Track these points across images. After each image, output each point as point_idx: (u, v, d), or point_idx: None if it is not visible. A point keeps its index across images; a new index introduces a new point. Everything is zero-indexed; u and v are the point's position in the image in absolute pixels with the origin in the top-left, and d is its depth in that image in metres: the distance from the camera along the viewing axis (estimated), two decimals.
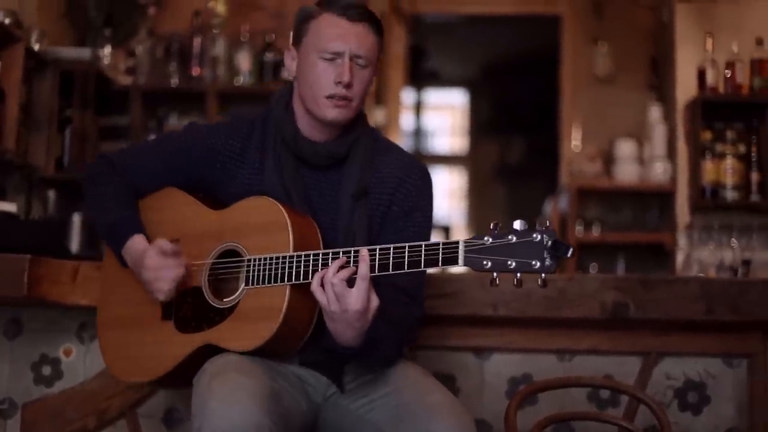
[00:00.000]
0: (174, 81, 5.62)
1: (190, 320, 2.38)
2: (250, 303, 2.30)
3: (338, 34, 2.38)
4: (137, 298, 2.48)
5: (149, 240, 2.47)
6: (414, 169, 2.51)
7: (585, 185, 5.93)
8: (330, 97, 2.37)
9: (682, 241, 5.53)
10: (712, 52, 5.44)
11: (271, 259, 2.29)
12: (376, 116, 5.90)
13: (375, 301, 2.18)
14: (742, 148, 5.42)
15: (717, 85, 5.40)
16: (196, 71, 5.62)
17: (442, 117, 12.02)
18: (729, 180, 5.37)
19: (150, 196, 2.55)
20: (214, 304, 2.36)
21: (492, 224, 2.09)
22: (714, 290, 2.95)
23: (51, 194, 5.06)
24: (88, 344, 3.11)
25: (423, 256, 2.13)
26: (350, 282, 2.17)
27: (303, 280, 2.24)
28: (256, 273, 2.30)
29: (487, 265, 2.07)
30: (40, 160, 4.92)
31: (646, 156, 5.90)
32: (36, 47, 4.90)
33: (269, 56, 5.66)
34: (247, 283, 2.31)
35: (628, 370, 3.08)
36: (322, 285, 2.18)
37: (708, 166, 5.41)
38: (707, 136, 5.46)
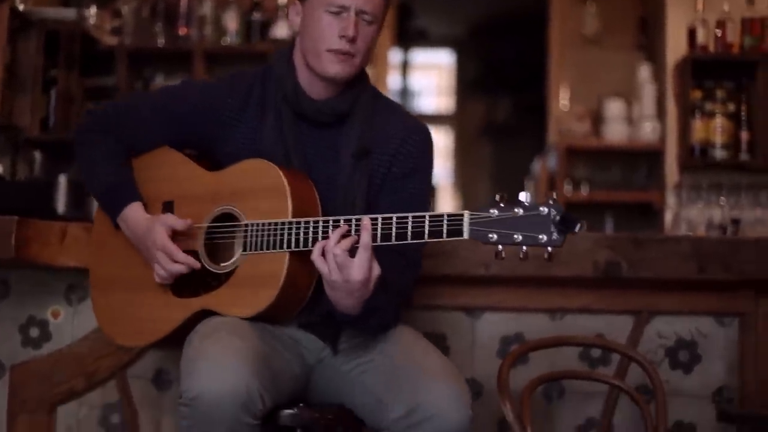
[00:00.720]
0: (160, 41, 5.55)
1: (186, 284, 2.35)
2: (248, 269, 2.27)
3: None
4: (131, 260, 2.45)
5: (146, 205, 2.43)
6: (416, 130, 2.47)
7: (574, 144, 5.91)
8: (333, 51, 2.33)
9: (670, 200, 5.53)
10: (703, 12, 5.41)
11: (269, 224, 2.25)
12: None
13: (377, 270, 2.15)
14: (731, 107, 5.40)
15: (707, 44, 5.38)
16: (182, 31, 5.55)
17: (428, 77, 11.97)
18: (718, 139, 5.35)
19: (144, 155, 2.50)
20: (211, 269, 2.33)
21: (498, 196, 2.05)
22: (705, 249, 2.94)
23: (37, 155, 5.01)
24: (76, 306, 3.08)
25: (427, 227, 2.10)
26: (352, 251, 2.14)
27: (303, 247, 2.20)
28: (254, 238, 2.27)
29: (493, 238, 2.04)
30: (25, 121, 4.87)
31: (635, 115, 5.88)
32: (21, 7, 4.83)
33: (257, 16, 5.60)
34: (244, 249, 2.28)
35: (619, 329, 3.07)
36: (323, 254, 2.15)
37: (697, 125, 5.39)
38: (697, 95, 5.44)
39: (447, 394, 2.17)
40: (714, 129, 5.35)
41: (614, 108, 5.90)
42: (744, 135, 5.33)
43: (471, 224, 2.05)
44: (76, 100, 5.22)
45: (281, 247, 2.22)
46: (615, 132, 5.85)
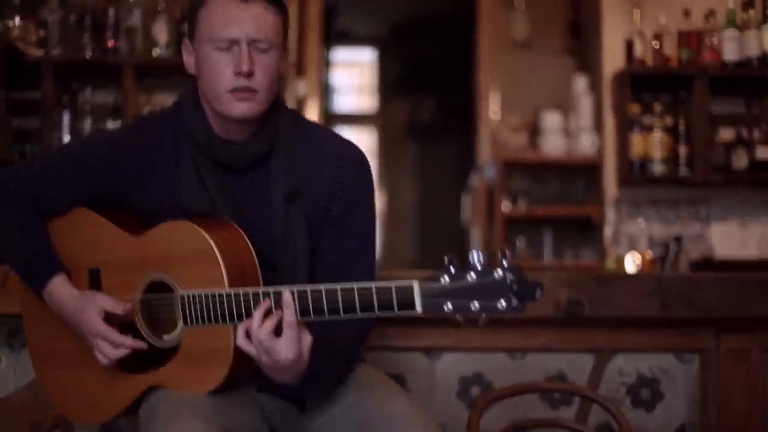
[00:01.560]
0: (88, 53, 5.35)
1: (131, 359, 2.20)
2: (193, 343, 2.14)
3: (230, 19, 2.12)
4: (68, 333, 2.29)
5: (69, 273, 2.27)
6: (349, 160, 2.26)
7: (511, 158, 5.87)
8: (232, 91, 2.13)
9: (610, 214, 5.52)
10: (640, 23, 5.40)
11: (207, 296, 2.09)
12: (298, 88, 5.72)
13: (307, 341, 2.02)
14: (669, 121, 5.41)
15: (645, 58, 5.37)
16: (111, 43, 5.35)
17: (350, 75, 11.87)
18: (657, 153, 5.35)
19: (60, 218, 2.32)
20: (155, 344, 2.19)
21: (446, 259, 1.90)
22: (668, 287, 2.92)
23: None
24: (18, 352, 2.97)
25: (375, 300, 1.95)
26: (278, 328, 2.00)
27: (247, 317, 2.05)
28: (193, 311, 2.12)
29: (448, 308, 1.89)
30: None
31: (572, 128, 5.86)
32: None
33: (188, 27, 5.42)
34: (185, 322, 2.13)
35: (580, 367, 3.04)
36: (248, 336, 2.01)
37: (636, 139, 5.38)
38: (635, 109, 5.43)
39: None
40: (653, 143, 5.35)
41: (551, 120, 5.87)
42: (682, 149, 5.33)
43: (423, 296, 1.90)
44: (2, 123, 5.00)
45: (224, 320, 2.08)
46: (552, 144, 5.83)
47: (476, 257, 1.90)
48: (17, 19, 5.18)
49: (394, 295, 1.94)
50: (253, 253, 2.16)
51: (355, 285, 1.98)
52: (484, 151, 6.53)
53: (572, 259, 5.86)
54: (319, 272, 2.24)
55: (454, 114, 10.96)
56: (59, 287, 2.26)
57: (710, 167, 5.31)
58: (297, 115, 2.33)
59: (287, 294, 2.00)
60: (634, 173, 5.37)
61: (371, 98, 11.85)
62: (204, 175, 2.21)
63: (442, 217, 10.84)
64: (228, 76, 2.13)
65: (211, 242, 2.09)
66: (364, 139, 11.87)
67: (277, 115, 2.25)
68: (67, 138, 5.40)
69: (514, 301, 1.89)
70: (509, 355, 3.05)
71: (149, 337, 2.20)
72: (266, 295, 2.04)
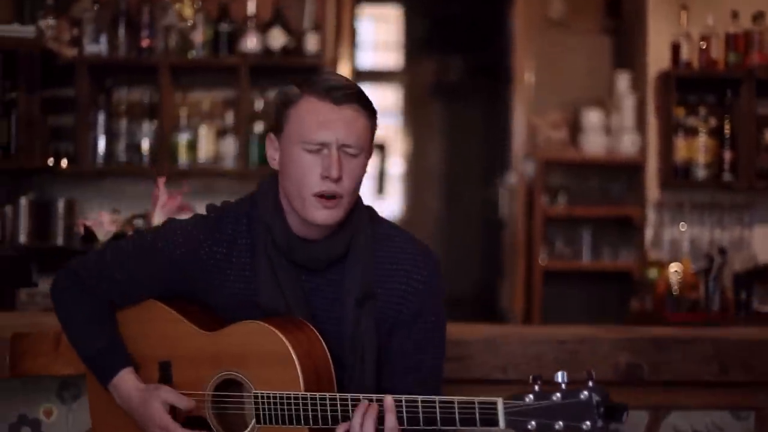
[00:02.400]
0: (122, 52, 5.30)
1: None
2: None
3: (322, 122, 2.10)
4: (134, 424, 2.29)
5: (138, 366, 2.27)
6: (422, 264, 2.24)
7: (552, 157, 5.80)
8: (318, 195, 2.12)
9: (651, 216, 5.46)
10: (687, 26, 5.29)
11: (282, 397, 2.10)
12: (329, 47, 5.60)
13: None
14: (714, 124, 5.32)
15: (691, 60, 5.27)
16: (145, 43, 5.29)
17: (375, 30, 11.74)
18: (701, 158, 5.28)
19: (129, 308, 2.31)
20: None
21: (531, 378, 1.92)
22: (727, 350, 2.90)
23: None
24: (70, 404, 2.95)
25: (457, 413, 1.97)
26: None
27: (322, 424, 2.08)
28: (267, 411, 2.12)
29: (532, 426, 1.90)
30: None
31: (614, 126, 5.77)
32: None
33: (225, 27, 5.35)
34: (258, 421, 2.14)
35: (635, 424, 3.02)
36: None
37: (680, 143, 5.31)
38: (680, 112, 5.34)
39: None
40: (697, 147, 5.27)
41: (592, 117, 5.78)
42: (727, 154, 5.25)
43: (506, 413, 1.92)
44: (37, 122, 4.96)
45: (299, 422, 2.09)
46: (593, 143, 5.74)
47: (561, 377, 1.91)
48: (50, 20, 5.10)
49: (477, 410, 1.96)
50: (329, 356, 2.16)
51: (437, 399, 2.00)
52: (518, 139, 6.46)
53: (611, 260, 5.81)
54: (386, 372, 2.24)
55: (482, 74, 10.87)
56: (126, 380, 2.26)
57: (755, 172, 5.24)
58: (372, 214, 2.30)
59: (390, 399, 2.01)
60: (677, 177, 5.30)
61: (397, 55, 11.73)
62: (279, 273, 2.19)
63: (467, 177, 10.80)
64: (315, 179, 2.11)
65: (288, 345, 2.10)
66: (388, 97, 11.81)
67: (354, 215, 2.22)
68: (102, 138, 5.37)
69: (600, 422, 1.89)
70: None
71: (220, 431, 2.20)
72: (344, 399, 2.06)
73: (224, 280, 2.22)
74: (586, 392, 1.89)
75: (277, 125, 2.18)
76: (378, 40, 11.68)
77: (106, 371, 2.27)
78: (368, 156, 2.17)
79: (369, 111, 2.16)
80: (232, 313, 2.21)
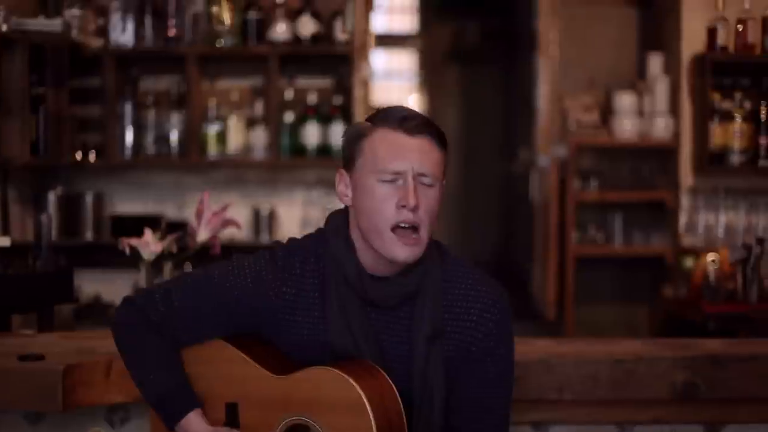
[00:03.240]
0: (149, 42, 5.22)
1: None
2: None
3: (397, 151, 2.09)
4: None
5: (204, 406, 2.25)
6: (492, 304, 2.22)
7: (584, 142, 5.73)
8: (396, 227, 2.09)
9: (684, 201, 5.41)
10: (723, 9, 5.19)
11: None
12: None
13: None
14: (750, 109, 5.25)
15: (727, 44, 5.18)
16: (172, 32, 5.21)
17: None
18: (736, 143, 5.21)
19: (195, 347, 2.28)
20: None
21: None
22: None
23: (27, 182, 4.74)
24: (119, 428, 2.92)
25: None
26: None
27: None
28: None
29: None
30: (14, 146, 4.56)
31: (647, 109, 5.69)
32: (3, 27, 4.46)
33: (253, 14, 5.27)
34: None
35: None
36: None
37: (715, 128, 5.24)
38: (715, 96, 5.27)
39: None
40: (732, 133, 5.20)
41: (625, 100, 5.70)
42: (763, 140, 5.18)
43: None
44: (65, 117, 4.90)
45: None
46: (625, 126, 5.67)
47: None
48: (75, 10, 5.03)
49: None
50: (401, 403, 2.13)
51: None
52: (544, 117, 6.40)
53: (643, 245, 5.76)
54: (454, 409, 2.22)
55: (499, 39, 10.77)
56: (193, 423, 2.23)
57: None
58: (442, 249, 2.26)
59: None
60: (711, 162, 5.25)
61: (412, 19, 11.62)
62: (348, 312, 2.17)
63: (485, 147, 10.74)
64: (391, 210, 2.09)
65: (361, 393, 2.08)
66: (404, 61, 11.71)
67: (426, 251, 2.18)
68: (129, 129, 5.32)
69: None
70: (618, 427, 3.00)
71: None
72: None
73: (292, 319, 2.20)
74: None
75: (348, 160, 2.16)
76: (393, 3, 11.57)
77: (175, 413, 2.24)
78: (441, 190, 2.15)
79: (441, 142, 2.14)
80: (300, 353, 2.19)
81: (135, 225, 3.86)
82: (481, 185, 10.52)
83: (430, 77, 11.41)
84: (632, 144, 5.72)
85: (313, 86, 5.47)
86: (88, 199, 5.27)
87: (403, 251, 2.10)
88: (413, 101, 11.26)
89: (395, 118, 2.11)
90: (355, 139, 2.14)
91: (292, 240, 2.28)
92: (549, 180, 6.06)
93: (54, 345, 2.97)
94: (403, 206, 2.07)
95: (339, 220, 2.22)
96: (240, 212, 5.24)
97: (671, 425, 2.98)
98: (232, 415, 2.25)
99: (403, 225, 2.09)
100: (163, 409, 2.26)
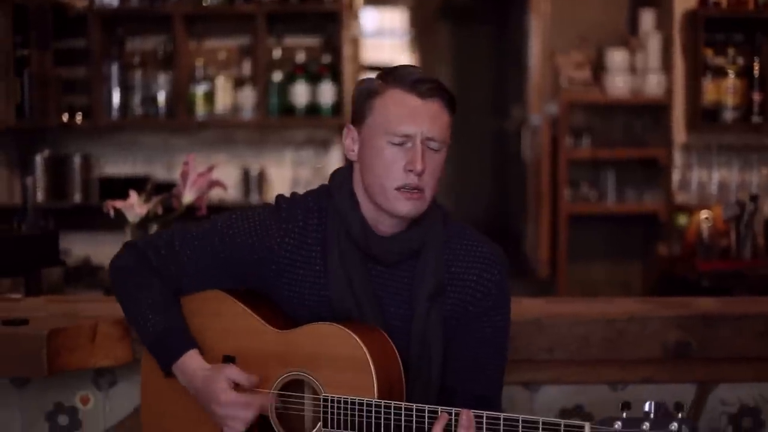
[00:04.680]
0: (134, 1, 5.16)
1: None
2: None
3: (409, 114, 2.08)
4: (193, 415, 2.25)
5: (202, 353, 2.22)
6: (492, 263, 2.22)
7: (575, 98, 5.69)
8: (400, 188, 2.09)
9: (677, 158, 5.38)
10: None
11: (354, 403, 2.06)
12: None
13: None
14: (742, 64, 5.21)
15: (720, 0, 5.13)
16: None
17: None
18: (729, 100, 5.19)
19: (193, 297, 2.27)
20: None
21: (621, 404, 1.90)
22: None
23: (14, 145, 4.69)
24: (106, 391, 2.90)
25: None
26: None
27: (395, 430, 2.04)
28: (336, 416, 2.08)
29: None
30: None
31: (639, 66, 5.65)
32: None
33: None
34: (325, 425, 2.09)
35: (682, 398, 2.97)
36: None
37: (708, 84, 5.21)
38: (708, 52, 5.23)
39: None
40: (725, 89, 5.17)
41: (616, 57, 5.65)
42: (756, 96, 5.15)
43: None
44: (50, 79, 4.84)
45: (368, 430, 2.06)
46: (617, 83, 5.62)
47: (651, 407, 1.89)
48: None
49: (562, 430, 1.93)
50: (401, 364, 2.13)
51: (520, 417, 1.97)
52: (536, 74, 6.35)
53: (636, 202, 5.74)
54: (450, 369, 2.22)
55: None
56: (192, 360, 2.21)
57: None
58: (445, 212, 2.26)
59: (469, 415, 1.97)
60: (704, 119, 5.21)
61: None
62: (350, 267, 2.17)
63: (477, 105, 10.68)
64: (398, 172, 2.09)
65: (366, 351, 2.07)
66: (395, 19, 11.62)
67: (428, 212, 2.18)
68: (116, 90, 5.27)
69: None
70: (610, 387, 2.98)
71: None
72: (420, 411, 2.02)
73: (293, 272, 2.19)
74: (675, 424, 1.87)
75: (357, 116, 2.15)
76: None
77: (173, 351, 2.21)
78: (446, 154, 2.15)
79: (451, 107, 2.14)
80: (301, 308, 2.19)
81: (123, 186, 3.81)
82: (473, 143, 10.48)
83: (421, 35, 11.32)
84: (624, 101, 5.68)
85: (301, 45, 5.41)
86: (76, 161, 5.22)
87: (405, 205, 2.10)
88: (404, 60, 11.17)
89: (409, 79, 2.09)
90: (366, 96, 2.14)
91: (294, 194, 2.27)
92: (541, 138, 6.01)
93: (40, 309, 2.94)
94: (410, 170, 2.08)
95: (343, 176, 2.21)
96: (229, 173, 5.21)
97: (663, 384, 2.98)
98: None
99: (407, 187, 2.09)
100: (161, 347, 2.24)
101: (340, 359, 2.09)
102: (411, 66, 2.16)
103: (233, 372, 2.16)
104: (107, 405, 2.90)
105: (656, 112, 5.69)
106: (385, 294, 2.19)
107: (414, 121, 2.08)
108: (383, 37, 11.69)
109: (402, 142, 2.09)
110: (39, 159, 5.05)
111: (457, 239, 2.23)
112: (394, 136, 2.08)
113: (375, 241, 2.16)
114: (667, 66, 5.58)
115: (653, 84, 5.55)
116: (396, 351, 2.14)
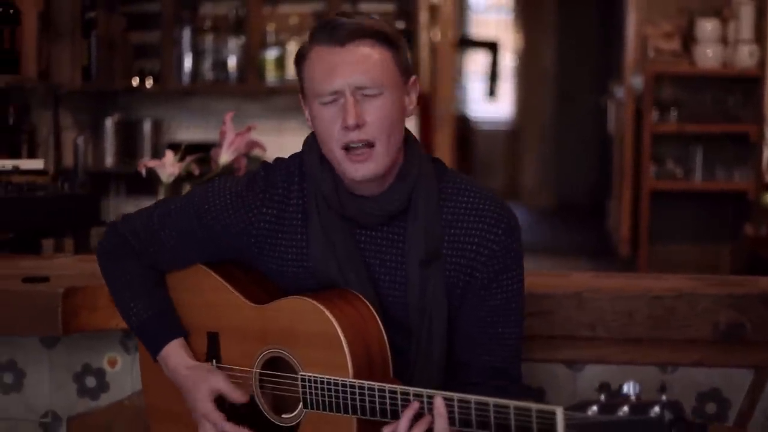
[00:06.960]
0: None
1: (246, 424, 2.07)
2: (313, 428, 2.00)
3: (330, 69, 1.90)
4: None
5: (187, 334, 2.14)
6: (497, 220, 2.01)
7: (662, 70, 5.44)
8: (346, 148, 1.91)
9: None
10: None
11: (329, 383, 1.93)
12: None
13: None
14: None
15: None
16: None
17: None
18: None
19: (178, 274, 2.17)
20: (274, 421, 2.05)
21: (598, 386, 1.71)
22: None
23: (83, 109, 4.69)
24: (134, 354, 2.83)
25: (513, 419, 1.75)
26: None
27: (370, 416, 1.90)
28: (314, 396, 1.96)
29: None
30: (65, 72, 4.49)
31: (731, 37, 5.37)
32: None
33: None
34: (306, 406, 1.98)
35: (737, 384, 2.77)
36: None
37: None
38: None
39: None
40: None
41: (707, 27, 5.38)
42: None
43: (566, 425, 1.68)
44: (119, 42, 4.82)
45: (346, 411, 1.92)
46: (708, 54, 5.35)
47: (631, 389, 1.67)
48: None
49: (534, 419, 1.72)
50: (385, 336, 1.97)
51: (491, 401, 1.77)
52: (630, 49, 6.10)
53: (725, 180, 5.46)
54: (457, 341, 2.04)
55: None
56: (175, 354, 2.12)
57: None
58: (440, 166, 2.07)
59: (440, 401, 1.80)
60: None
61: None
62: (330, 231, 2.00)
63: (580, 80, 10.47)
64: (337, 132, 1.90)
65: (337, 326, 1.92)
66: None
67: (415, 166, 2.00)
68: (188, 55, 5.24)
69: None
70: (660, 368, 2.79)
71: (268, 413, 2.06)
72: (393, 392, 1.86)
73: (275, 242, 2.05)
74: (657, 408, 1.65)
75: (300, 87, 1.99)
76: None
77: (157, 342, 2.13)
78: (401, 91, 1.95)
79: (385, 42, 1.93)
80: (284, 279, 2.06)
81: (192, 152, 3.78)
82: (576, 120, 10.28)
83: (526, 9, 11.19)
84: (714, 73, 5.41)
85: (376, 11, 5.29)
86: (146, 125, 5.22)
87: (355, 169, 1.91)
88: (509, 38, 11.03)
89: (326, 30, 1.92)
90: (298, 64, 1.98)
91: (277, 160, 2.12)
92: (624, 111, 5.78)
93: (67, 267, 2.90)
94: (345, 127, 1.89)
95: (313, 138, 2.04)
96: (299, 140, 5.12)
97: (716, 369, 2.78)
98: (213, 345, 2.15)
99: (353, 144, 1.91)
100: (144, 337, 2.17)
101: (313, 336, 1.96)
102: (335, 16, 1.96)
103: (219, 384, 2.06)
104: (135, 367, 2.84)
105: (748, 85, 5.40)
106: (376, 261, 2.02)
107: (336, 74, 1.90)
108: (490, 13, 11.55)
109: (333, 100, 1.90)
110: (109, 122, 5.05)
111: (455, 197, 2.03)
112: (323, 96, 1.90)
113: (349, 203, 1.98)
114: (760, 37, 5.29)
115: (745, 55, 5.27)
116: (378, 321, 1.98)
